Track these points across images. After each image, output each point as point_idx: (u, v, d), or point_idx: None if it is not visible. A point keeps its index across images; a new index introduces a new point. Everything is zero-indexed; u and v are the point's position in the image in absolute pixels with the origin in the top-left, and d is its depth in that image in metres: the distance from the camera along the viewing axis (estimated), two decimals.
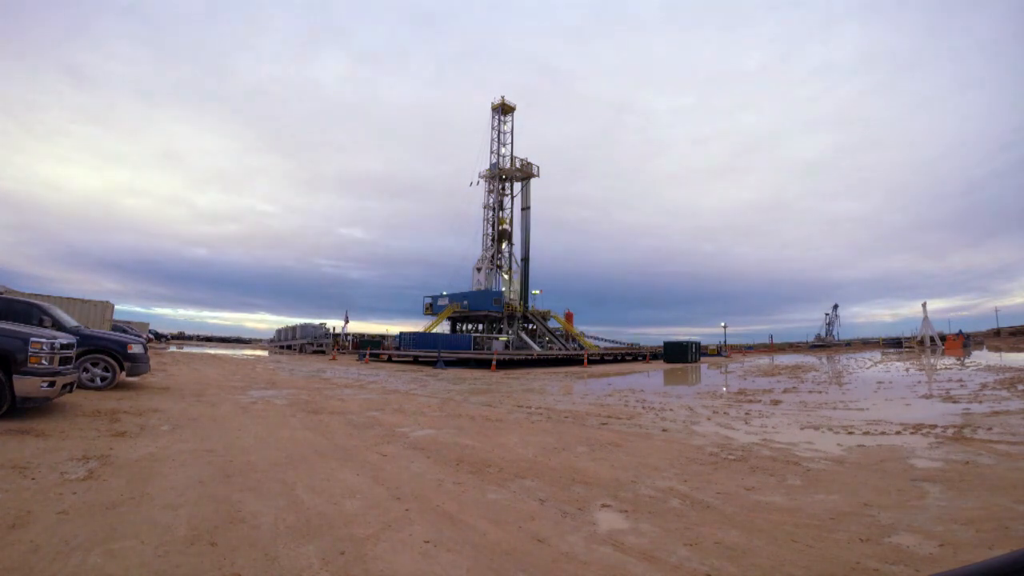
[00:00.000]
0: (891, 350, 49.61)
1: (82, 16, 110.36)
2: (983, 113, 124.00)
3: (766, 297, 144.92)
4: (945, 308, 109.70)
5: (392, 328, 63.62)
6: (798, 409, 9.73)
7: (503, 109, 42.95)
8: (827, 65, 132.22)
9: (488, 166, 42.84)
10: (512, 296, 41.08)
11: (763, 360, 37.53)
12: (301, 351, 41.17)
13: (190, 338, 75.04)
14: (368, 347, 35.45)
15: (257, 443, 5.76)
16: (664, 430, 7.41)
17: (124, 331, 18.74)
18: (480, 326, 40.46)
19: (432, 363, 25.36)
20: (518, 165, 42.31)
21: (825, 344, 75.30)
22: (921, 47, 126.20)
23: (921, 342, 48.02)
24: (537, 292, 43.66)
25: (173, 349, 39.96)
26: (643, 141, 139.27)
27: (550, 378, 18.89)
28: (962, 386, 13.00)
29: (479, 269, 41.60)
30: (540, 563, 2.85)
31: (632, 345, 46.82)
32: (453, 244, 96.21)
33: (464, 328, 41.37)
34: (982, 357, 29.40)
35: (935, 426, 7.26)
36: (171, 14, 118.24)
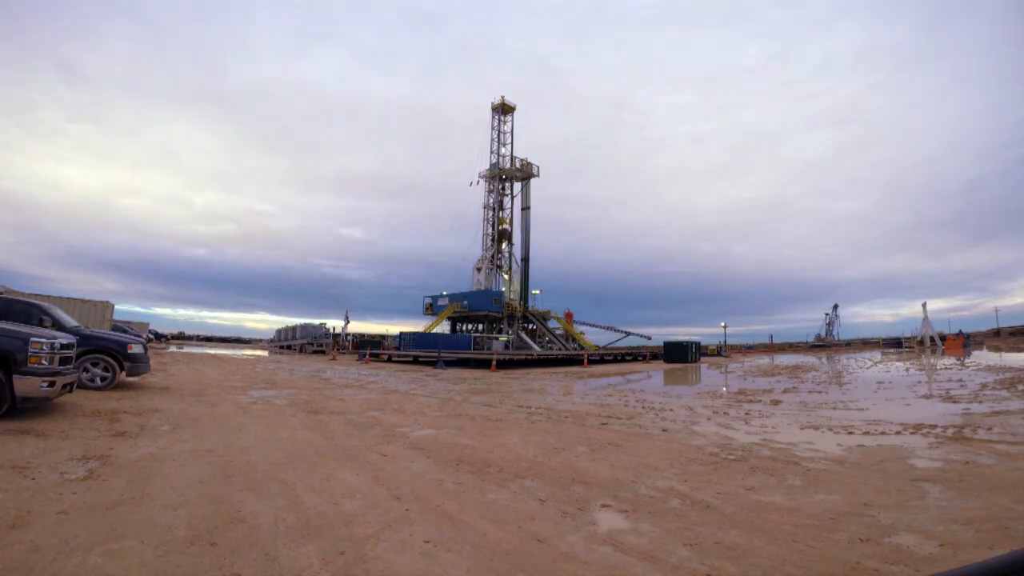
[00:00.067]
0: (891, 350, 49.59)
1: (80, 16, 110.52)
2: (985, 110, 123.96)
3: (766, 297, 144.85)
4: (945, 308, 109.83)
5: (392, 328, 63.68)
6: (798, 409, 9.73)
7: (503, 109, 42.98)
8: (827, 62, 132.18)
9: (488, 166, 42.87)
10: (512, 296, 41.10)
11: (763, 360, 37.53)
12: (301, 351, 41.17)
13: (190, 338, 75.09)
14: (368, 347, 35.46)
15: (257, 443, 5.76)
16: (664, 430, 7.41)
17: (124, 331, 18.74)
18: (480, 326, 40.49)
19: (432, 363, 25.36)
20: (518, 165, 42.34)
21: (825, 344, 75.27)
22: (922, 43, 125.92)
23: (921, 342, 48.01)
24: (537, 292, 43.73)
25: (173, 349, 39.97)
26: (642, 139, 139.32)
27: (550, 378, 18.89)
28: (962, 386, 13.00)
29: (479, 269, 41.62)
30: (540, 563, 2.85)
31: (634, 345, 46.69)
32: (453, 244, 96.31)
33: (464, 328, 41.40)
34: (982, 357, 29.39)
35: (935, 426, 7.26)
36: (166, 13, 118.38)
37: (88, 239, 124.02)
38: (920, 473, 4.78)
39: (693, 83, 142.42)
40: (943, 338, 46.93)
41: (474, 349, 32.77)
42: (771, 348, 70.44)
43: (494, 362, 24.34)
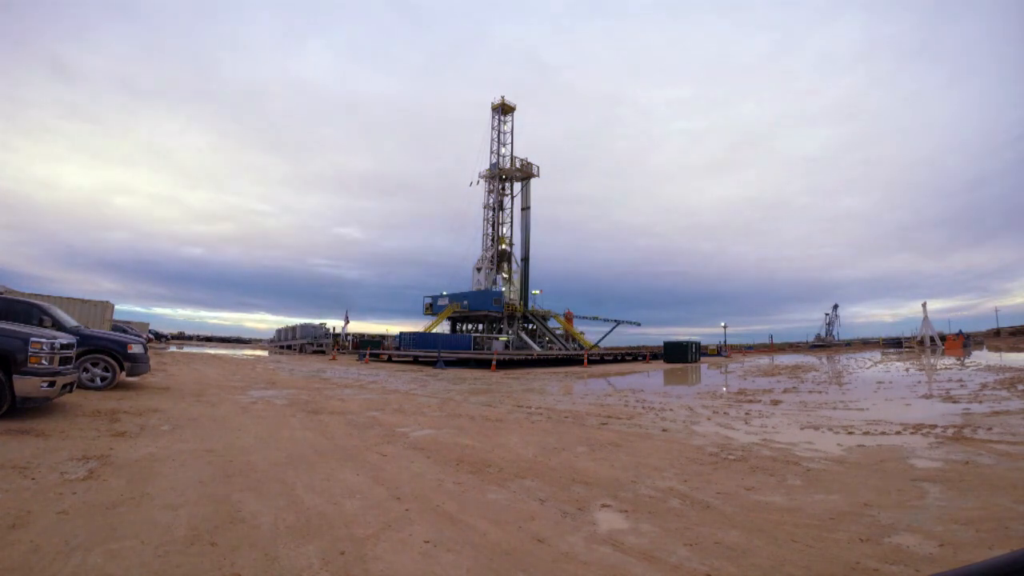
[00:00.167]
0: (891, 350, 49.59)
1: (73, 14, 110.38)
2: (987, 107, 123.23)
3: (766, 297, 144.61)
4: (945, 308, 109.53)
5: (392, 328, 63.66)
6: (798, 409, 9.73)
7: (503, 109, 42.98)
8: (827, 57, 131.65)
9: (488, 166, 42.87)
10: (512, 296, 41.10)
11: (763, 360, 37.54)
12: (301, 351, 41.17)
13: (190, 338, 75.08)
14: (368, 347, 35.45)
15: (257, 443, 5.76)
16: (664, 430, 7.41)
17: (124, 331, 18.74)
18: (480, 326, 40.49)
19: (432, 363, 25.36)
20: (518, 165, 42.33)
21: (825, 344, 75.29)
22: (924, 37, 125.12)
23: (921, 342, 47.99)
24: (537, 292, 43.72)
25: (173, 349, 39.97)
26: (639, 135, 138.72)
27: (550, 378, 18.90)
28: (962, 386, 13.00)
29: (479, 269, 41.64)
30: (540, 563, 2.85)
31: (634, 346, 46.45)
32: (452, 244, 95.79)
33: (464, 328, 41.41)
34: (982, 357, 29.39)
35: (935, 426, 7.26)
36: (156, 9, 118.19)
37: (87, 238, 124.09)
38: (920, 473, 4.78)
39: (691, 77, 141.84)
40: (943, 338, 46.91)
41: (474, 349, 32.77)
42: (771, 348, 70.46)
43: (494, 362, 24.34)
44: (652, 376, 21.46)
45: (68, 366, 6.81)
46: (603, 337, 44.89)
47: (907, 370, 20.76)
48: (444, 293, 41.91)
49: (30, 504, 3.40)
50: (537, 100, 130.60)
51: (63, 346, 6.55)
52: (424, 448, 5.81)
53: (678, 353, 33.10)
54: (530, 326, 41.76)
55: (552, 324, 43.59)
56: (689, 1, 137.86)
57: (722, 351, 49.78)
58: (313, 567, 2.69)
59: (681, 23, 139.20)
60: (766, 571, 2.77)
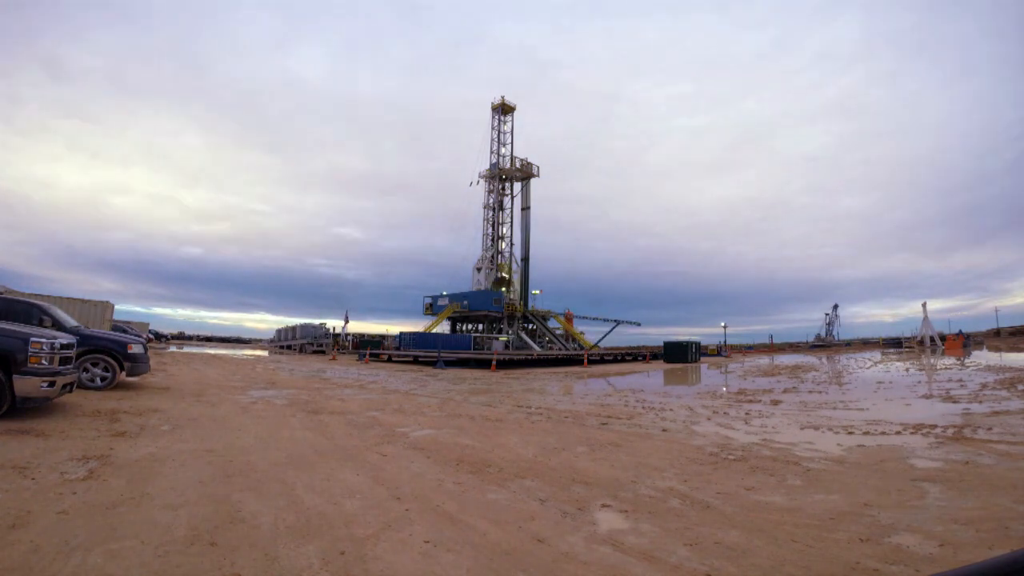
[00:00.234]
0: (891, 350, 49.58)
1: (64, 11, 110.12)
2: (990, 103, 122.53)
3: (766, 297, 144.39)
4: (945, 308, 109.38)
5: (392, 328, 63.59)
6: (798, 409, 9.73)
7: (503, 109, 42.98)
8: (827, 54, 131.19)
9: (488, 166, 42.87)
10: (512, 296, 41.10)
11: (763, 360, 37.54)
12: (301, 351, 41.17)
13: (190, 338, 75.08)
14: (368, 347, 35.45)
15: (257, 443, 5.76)
16: (664, 430, 7.41)
17: (124, 331, 18.73)
18: (480, 326, 40.48)
19: (432, 363, 25.36)
20: (518, 165, 42.33)
21: (825, 344, 75.27)
22: (924, 36, 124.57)
23: (921, 342, 48.00)
24: (537, 292, 43.72)
25: (173, 349, 39.97)
26: (639, 134, 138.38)
27: (550, 378, 18.90)
28: (962, 386, 13.00)
29: (479, 269, 41.63)
30: (540, 563, 2.85)
31: (634, 346, 46.41)
32: (452, 244, 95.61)
33: (464, 328, 41.40)
34: (982, 357, 29.39)
35: (935, 426, 7.26)
36: (153, 9, 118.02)
37: (86, 238, 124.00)
38: (920, 473, 4.78)
39: (690, 75, 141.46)
40: (943, 338, 46.91)
41: (474, 349, 32.76)
42: (771, 348, 70.44)
43: (494, 362, 24.34)
44: (652, 376, 21.46)
45: (68, 366, 6.81)
46: (603, 337, 44.88)
47: (907, 370, 20.76)
48: (444, 293, 41.91)
49: (30, 504, 3.40)
50: (536, 99, 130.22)
51: (63, 346, 6.55)
52: (424, 448, 5.81)
53: (678, 353, 33.10)
54: (530, 326, 41.76)
55: (552, 324, 43.59)
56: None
57: (722, 351, 49.77)
58: (313, 567, 2.69)
59: (680, 21, 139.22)
60: (766, 571, 2.77)
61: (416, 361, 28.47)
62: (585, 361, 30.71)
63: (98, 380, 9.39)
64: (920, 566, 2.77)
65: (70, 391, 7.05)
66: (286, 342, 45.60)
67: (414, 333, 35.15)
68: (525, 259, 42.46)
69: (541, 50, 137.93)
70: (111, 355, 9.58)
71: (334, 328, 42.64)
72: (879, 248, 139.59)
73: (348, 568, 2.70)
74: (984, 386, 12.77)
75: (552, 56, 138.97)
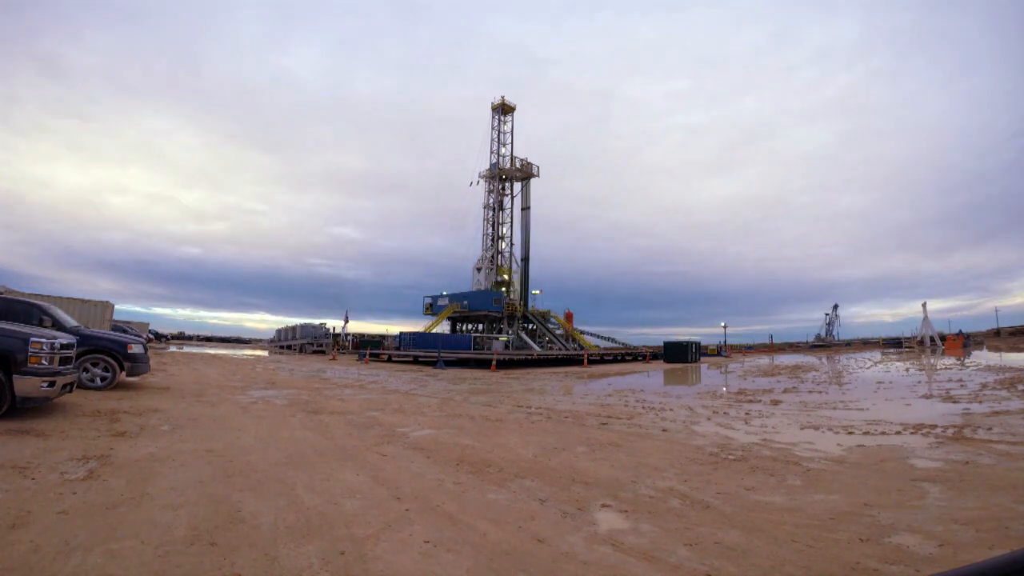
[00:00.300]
0: (891, 350, 49.59)
1: (60, 10, 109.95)
2: (991, 101, 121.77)
3: (765, 297, 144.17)
4: (945, 308, 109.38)
5: (392, 328, 63.55)
6: (798, 409, 9.73)
7: (503, 109, 42.94)
8: (826, 52, 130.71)
9: (488, 166, 42.85)
10: (512, 296, 41.09)
11: (763, 360, 37.54)
12: (301, 351, 41.18)
13: (190, 338, 75.09)
14: (368, 347, 35.46)
15: (257, 443, 5.76)
16: (664, 430, 7.41)
17: (124, 331, 18.73)
18: (480, 326, 40.46)
19: (432, 363, 25.36)
20: (518, 165, 42.32)
21: (825, 344, 75.26)
22: (923, 34, 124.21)
23: (921, 342, 48.01)
24: (537, 292, 43.70)
25: (173, 349, 39.97)
26: (637, 132, 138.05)
27: (550, 378, 18.90)
28: (962, 386, 13.00)
29: (479, 269, 41.61)
30: (540, 563, 2.85)
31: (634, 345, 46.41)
32: (452, 244, 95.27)
33: (464, 328, 41.38)
34: (982, 357, 29.40)
35: (935, 426, 7.26)
36: (149, 8, 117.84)
37: (85, 238, 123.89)
38: (920, 473, 4.78)
39: (688, 72, 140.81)
40: (943, 338, 46.93)
41: (474, 349, 32.74)
42: (771, 348, 70.45)
43: (494, 362, 24.34)
44: (652, 376, 21.46)
45: (68, 366, 6.81)
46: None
47: (907, 370, 20.76)
48: (444, 293, 41.89)
49: (30, 504, 3.40)
50: (534, 97, 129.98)
51: (63, 346, 6.55)
52: (424, 448, 5.81)
53: (678, 353, 33.12)
54: (530, 326, 41.73)
55: (552, 324, 43.58)
56: None
57: (722, 351, 49.79)
58: (313, 567, 2.69)
59: (678, 18, 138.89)
60: (766, 571, 2.77)
61: (416, 361, 28.47)
62: (585, 361, 30.71)
63: (98, 380, 9.39)
64: (920, 566, 2.77)
65: (70, 391, 7.05)
66: (286, 342, 45.60)
67: (414, 333, 35.14)
68: (525, 259, 42.47)
69: (539, 48, 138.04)
70: (111, 355, 9.58)
71: (334, 328, 42.70)
72: (879, 248, 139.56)
73: (348, 568, 2.70)
74: (984, 386, 12.77)
75: (549, 54, 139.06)
